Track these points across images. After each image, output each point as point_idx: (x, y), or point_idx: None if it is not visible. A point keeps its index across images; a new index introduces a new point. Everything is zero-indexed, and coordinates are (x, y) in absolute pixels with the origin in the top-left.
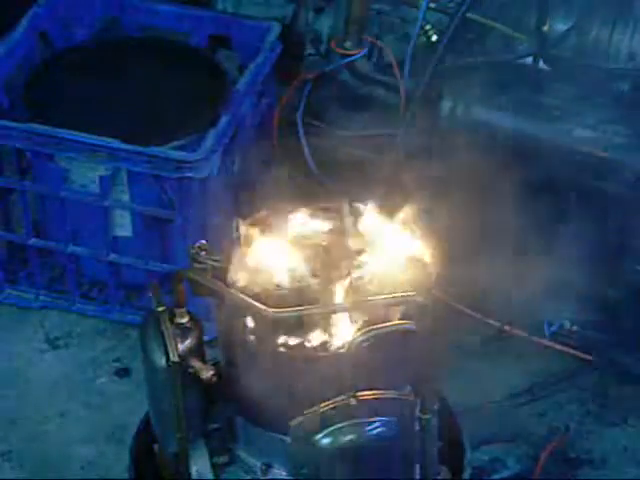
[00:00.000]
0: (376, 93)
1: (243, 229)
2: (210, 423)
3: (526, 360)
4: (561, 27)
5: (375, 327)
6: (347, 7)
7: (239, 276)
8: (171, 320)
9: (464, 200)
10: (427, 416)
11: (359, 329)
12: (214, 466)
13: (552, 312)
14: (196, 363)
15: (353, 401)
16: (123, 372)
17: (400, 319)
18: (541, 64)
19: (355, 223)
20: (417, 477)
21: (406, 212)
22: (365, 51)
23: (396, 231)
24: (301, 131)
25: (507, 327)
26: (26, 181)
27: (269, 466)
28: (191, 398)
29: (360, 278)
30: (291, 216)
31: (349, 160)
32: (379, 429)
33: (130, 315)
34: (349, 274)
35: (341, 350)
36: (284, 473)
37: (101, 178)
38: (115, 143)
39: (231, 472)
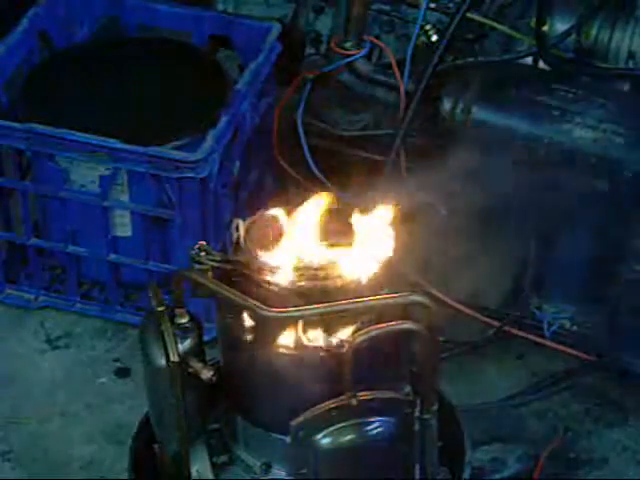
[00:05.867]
0: (376, 93)
1: (243, 229)
2: (210, 423)
3: (526, 360)
4: (561, 27)
5: (375, 327)
6: (347, 7)
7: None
8: (171, 320)
9: (464, 199)
10: (427, 416)
11: (359, 329)
12: (214, 466)
13: (552, 312)
14: (196, 363)
15: (353, 401)
16: (123, 372)
17: (400, 319)
18: (541, 64)
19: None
20: (417, 477)
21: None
22: (365, 51)
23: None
24: (301, 131)
25: (507, 327)
26: (26, 181)
27: (269, 466)
28: (191, 398)
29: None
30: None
31: (349, 160)
32: (379, 429)
33: (130, 315)
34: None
35: (341, 350)
36: (284, 473)
37: (101, 178)
38: (115, 143)
39: (231, 472)
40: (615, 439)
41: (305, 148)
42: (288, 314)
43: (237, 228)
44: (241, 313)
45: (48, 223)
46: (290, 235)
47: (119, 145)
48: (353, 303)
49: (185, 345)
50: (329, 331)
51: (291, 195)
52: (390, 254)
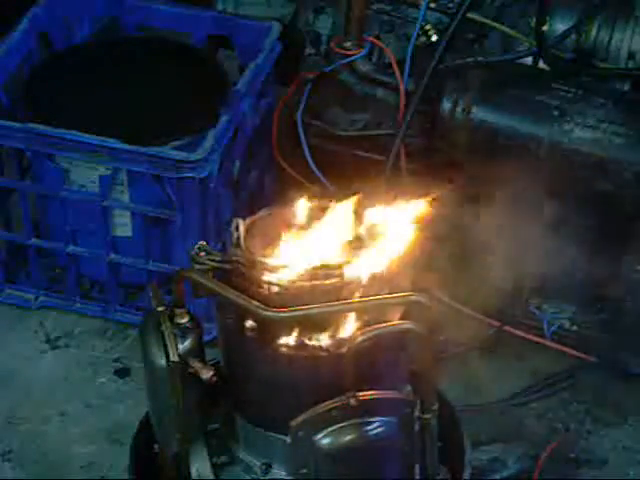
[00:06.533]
0: (376, 93)
1: (243, 229)
2: (210, 423)
3: (526, 360)
4: (561, 27)
5: (375, 327)
6: (347, 7)
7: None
8: (171, 320)
9: (464, 200)
10: (427, 416)
11: (359, 329)
12: (214, 466)
13: (552, 312)
14: (196, 363)
15: (353, 401)
16: (123, 372)
17: (400, 319)
18: (541, 64)
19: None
20: (417, 477)
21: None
22: (365, 51)
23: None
24: (301, 131)
25: (507, 327)
26: (26, 181)
27: (269, 466)
28: (191, 398)
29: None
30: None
31: (349, 160)
32: (379, 429)
33: (130, 315)
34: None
35: (341, 350)
36: (284, 473)
37: (101, 178)
38: (115, 143)
39: (231, 472)
40: (615, 439)
41: (305, 148)
42: (288, 314)
43: (237, 228)
44: (241, 313)
45: (48, 223)
46: (290, 235)
47: (119, 145)
48: (353, 303)
49: (185, 345)
50: (329, 331)
51: (291, 195)
52: (391, 254)
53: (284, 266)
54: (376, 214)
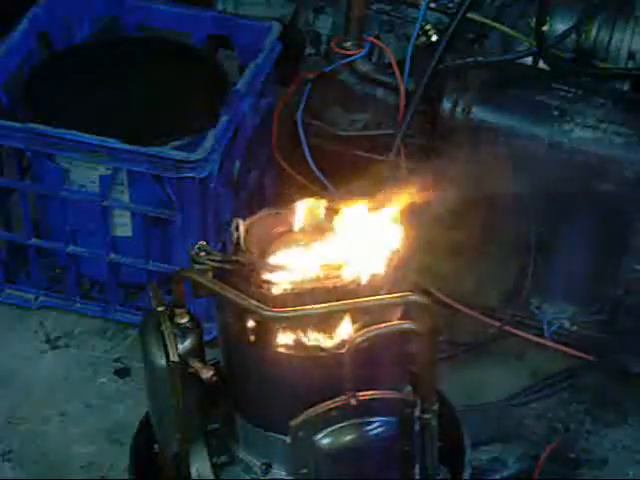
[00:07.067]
0: (376, 93)
1: (243, 229)
2: (210, 423)
3: (526, 360)
4: (561, 27)
5: (375, 327)
6: (347, 7)
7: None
8: (171, 320)
9: (464, 199)
10: (427, 416)
11: (359, 329)
12: (214, 466)
13: (552, 312)
14: (196, 363)
15: (353, 401)
16: (123, 372)
17: (400, 319)
18: (541, 64)
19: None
20: (417, 477)
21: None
22: (365, 51)
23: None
24: (301, 131)
25: (507, 327)
26: (26, 181)
27: (269, 466)
28: (191, 398)
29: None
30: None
31: (349, 160)
32: (379, 429)
33: (130, 315)
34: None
35: (341, 350)
36: (284, 473)
37: (101, 178)
38: (115, 143)
39: (231, 472)
40: (615, 439)
41: (305, 148)
42: (288, 314)
43: (237, 228)
44: (241, 313)
45: (48, 223)
46: (290, 235)
47: (119, 145)
48: (353, 303)
49: (185, 345)
50: (329, 331)
51: (291, 195)
52: (391, 254)
53: (284, 266)
54: (375, 214)
